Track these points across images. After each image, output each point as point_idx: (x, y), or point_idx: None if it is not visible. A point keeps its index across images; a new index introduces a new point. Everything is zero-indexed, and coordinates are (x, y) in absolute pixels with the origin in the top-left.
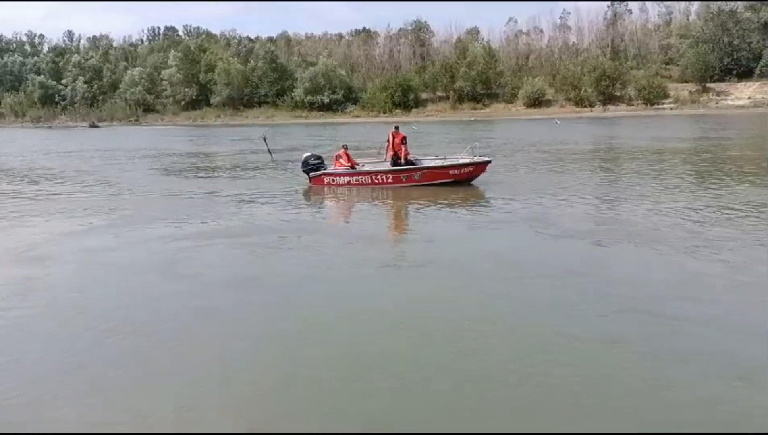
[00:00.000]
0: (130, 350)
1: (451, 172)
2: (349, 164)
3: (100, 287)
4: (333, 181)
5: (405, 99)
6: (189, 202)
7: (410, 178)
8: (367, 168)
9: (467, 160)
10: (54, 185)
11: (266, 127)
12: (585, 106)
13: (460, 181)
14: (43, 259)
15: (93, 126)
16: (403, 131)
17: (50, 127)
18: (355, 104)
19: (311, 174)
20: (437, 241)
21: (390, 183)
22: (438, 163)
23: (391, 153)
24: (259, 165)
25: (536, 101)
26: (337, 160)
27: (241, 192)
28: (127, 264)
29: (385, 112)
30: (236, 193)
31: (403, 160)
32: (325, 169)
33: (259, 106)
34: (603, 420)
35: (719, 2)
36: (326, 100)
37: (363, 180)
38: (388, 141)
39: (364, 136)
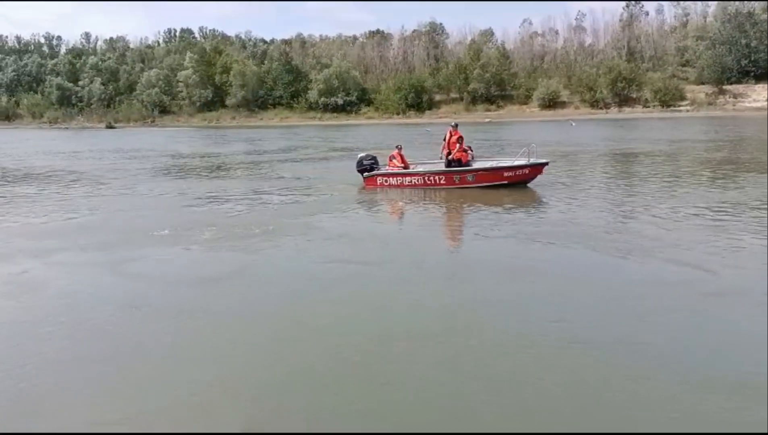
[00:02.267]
0: (127, 347)
1: (505, 173)
2: (403, 165)
3: (92, 285)
4: (386, 181)
5: (419, 100)
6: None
7: (463, 179)
8: (420, 169)
9: (523, 162)
10: (36, 186)
11: (281, 128)
12: (600, 108)
13: (515, 183)
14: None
15: (109, 127)
16: (416, 133)
17: (67, 128)
18: (369, 106)
19: (365, 174)
20: (477, 248)
21: (443, 184)
22: (492, 164)
23: (446, 151)
24: (309, 166)
25: (551, 103)
26: (390, 160)
27: (292, 191)
28: (129, 259)
29: (398, 114)
30: (289, 192)
31: (453, 159)
32: (378, 170)
33: (274, 107)
34: (599, 419)
35: (736, 3)
36: (340, 102)
37: (415, 181)
38: (444, 139)
39: (359, 141)
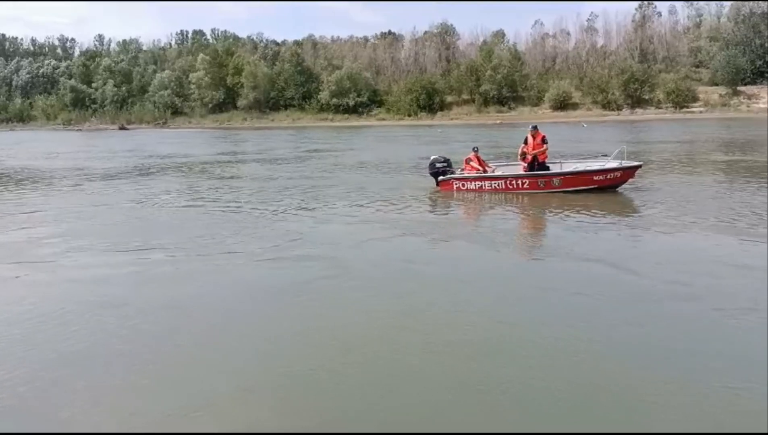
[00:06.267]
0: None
1: (595, 177)
2: (481, 168)
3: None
4: (463, 186)
5: (430, 102)
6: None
7: (549, 183)
8: (499, 172)
9: (615, 165)
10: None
11: (293, 130)
12: (612, 110)
13: (605, 187)
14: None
15: (122, 128)
16: (427, 134)
17: (80, 130)
18: (381, 107)
19: (439, 178)
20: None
21: (526, 189)
22: (580, 167)
23: (529, 157)
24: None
25: (562, 104)
26: (467, 163)
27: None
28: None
29: (410, 115)
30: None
31: (539, 162)
32: (453, 173)
33: (286, 109)
34: (597, 420)
35: (751, 3)
36: (351, 103)
37: (496, 185)
38: (525, 142)
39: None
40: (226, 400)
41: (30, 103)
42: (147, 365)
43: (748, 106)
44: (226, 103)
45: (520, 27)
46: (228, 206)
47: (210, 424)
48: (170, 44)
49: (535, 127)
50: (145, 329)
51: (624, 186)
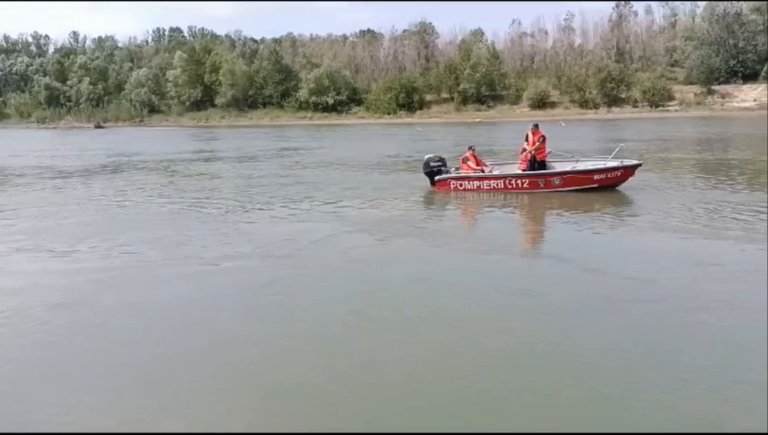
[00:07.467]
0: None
1: (595, 176)
2: (478, 168)
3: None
4: (461, 186)
5: (409, 100)
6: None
7: (549, 183)
8: (497, 171)
9: (615, 164)
10: None
11: (271, 128)
12: (590, 108)
13: (605, 186)
14: None
15: (98, 127)
16: (406, 132)
17: (55, 128)
18: (360, 105)
19: (436, 178)
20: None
21: (526, 188)
22: (580, 166)
23: (529, 155)
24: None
25: (541, 103)
26: (464, 162)
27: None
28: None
29: (389, 114)
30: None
31: (537, 160)
32: (448, 172)
33: (264, 107)
34: (595, 420)
35: (724, 4)
36: (330, 102)
37: (495, 185)
38: (527, 140)
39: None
40: (210, 401)
41: (3, 101)
42: (118, 368)
43: (722, 105)
44: (204, 101)
45: (498, 26)
46: (197, 205)
47: (196, 424)
48: (147, 41)
49: (536, 126)
50: (110, 331)
51: (623, 184)
